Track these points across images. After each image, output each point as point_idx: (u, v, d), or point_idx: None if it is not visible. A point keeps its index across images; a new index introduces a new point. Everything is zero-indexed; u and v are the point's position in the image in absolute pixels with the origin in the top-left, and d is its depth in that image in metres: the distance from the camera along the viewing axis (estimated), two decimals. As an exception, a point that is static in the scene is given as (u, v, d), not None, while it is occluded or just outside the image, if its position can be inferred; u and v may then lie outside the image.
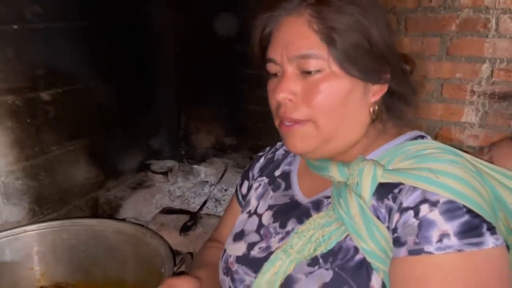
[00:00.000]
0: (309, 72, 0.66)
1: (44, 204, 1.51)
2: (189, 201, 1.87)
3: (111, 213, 1.74)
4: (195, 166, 2.03)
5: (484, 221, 0.57)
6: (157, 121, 2.14)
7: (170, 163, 2.01)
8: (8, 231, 1.11)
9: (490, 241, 0.56)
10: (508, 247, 0.60)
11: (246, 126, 2.09)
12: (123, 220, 1.62)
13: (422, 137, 0.72)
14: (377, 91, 0.70)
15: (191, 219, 1.47)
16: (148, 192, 1.86)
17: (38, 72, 1.43)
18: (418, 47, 1.59)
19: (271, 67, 0.70)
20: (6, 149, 1.35)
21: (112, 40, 1.76)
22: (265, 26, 0.71)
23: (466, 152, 0.68)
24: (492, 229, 0.57)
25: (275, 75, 0.71)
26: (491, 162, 0.75)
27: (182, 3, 2.06)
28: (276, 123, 0.73)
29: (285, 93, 0.67)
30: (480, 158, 0.69)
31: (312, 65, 0.65)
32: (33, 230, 1.16)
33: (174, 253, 1.08)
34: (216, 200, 1.83)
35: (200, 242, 1.40)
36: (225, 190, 1.90)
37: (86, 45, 1.62)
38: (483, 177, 0.65)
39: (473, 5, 1.53)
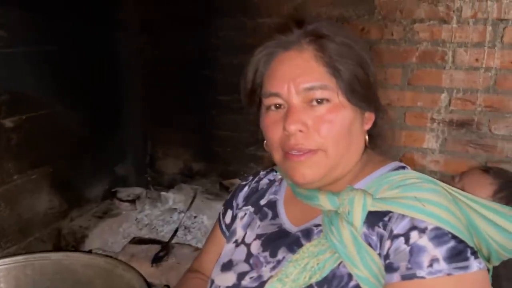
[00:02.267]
0: (319, 102, 0.69)
1: (4, 236, 1.42)
2: (157, 229, 1.82)
3: (76, 244, 1.66)
4: (163, 192, 1.99)
5: (468, 246, 0.61)
6: (123, 147, 2.09)
7: (137, 190, 1.96)
8: (-32, 269, 1.03)
9: (474, 264, 0.59)
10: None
11: (215, 152, 2.09)
12: (90, 251, 1.56)
13: (403, 167, 0.75)
14: (369, 119, 0.75)
15: (163, 249, 1.43)
16: (115, 221, 1.80)
17: (1, 98, 1.37)
18: (382, 77, 1.67)
19: (274, 101, 0.71)
20: (-36, 179, 1.27)
21: (77, 65, 1.72)
22: (261, 61, 0.73)
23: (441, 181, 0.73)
24: (475, 253, 0.60)
25: (275, 108, 0.72)
26: (463, 190, 0.80)
27: (150, 28, 2.05)
28: (278, 155, 0.73)
29: (297, 124, 0.68)
30: (453, 186, 0.73)
31: (321, 95, 0.69)
32: (-6, 267, 1.08)
33: (150, 286, 1.05)
34: (185, 228, 1.80)
35: (173, 273, 1.37)
36: (195, 217, 1.87)
37: (51, 70, 1.58)
38: (458, 204, 0.69)
39: (431, 38, 1.64)
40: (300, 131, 0.69)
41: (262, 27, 1.83)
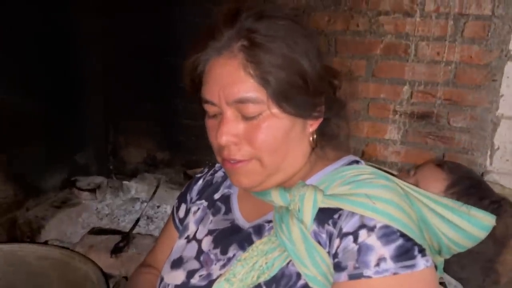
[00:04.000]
0: (248, 117, 0.66)
1: (-49, 227, 1.35)
2: (118, 219, 1.78)
3: (31, 235, 1.59)
4: (125, 182, 1.94)
5: (416, 244, 0.60)
6: (84, 135, 2.01)
7: (98, 179, 1.90)
8: None
9: (421, 263, 0.59)
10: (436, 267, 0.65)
11: (179, 141, 2.05)
12: (46, 242, 1.50)
13: (356, 162, 0.75)
14: (315, 121, 0.72)
15: (123, 240, 1.39)
16: (74, 211, 1.74)
17: None
18: (347, 68, 1.68)
19: (209, 108, 0.68)
20: None
21: (30, 48, 1.63)
22: (196, 66, 0.69)
23: (394, 175, 0.73)
24: (422, 251, 0.60)
25: (212, 116, 0.69)
26: (417, 185, 0.82)
27: (111, 11, 1.97)
28: (219, 159, 0.72)
29: (227, 136, 0.66)
30: (406, 181, 0.74)
31: (252, 110, 0.65)
32: None
33: (107, 277, 1.02)
34: (148, 217, 1.77)
35: (133, 264, 1.34)
36: (158, 207, 1.84)
37: (2, 53, 1.49)
38: (410, 199, 0.70)
39: (395, 31, 1.66)
40: (233, 142, 0.66)
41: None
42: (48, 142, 1.77)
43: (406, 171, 1.04)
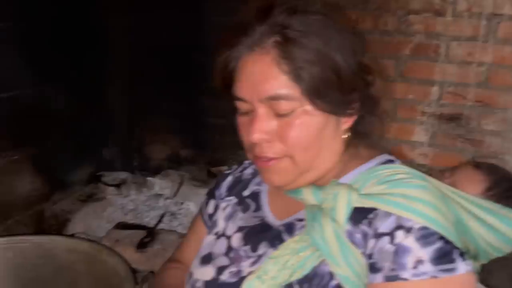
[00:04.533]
0: (282, 114, 0.65)
1: (-17, 218, 1.38)
2: (142, 215, 1.79)
3: (58, 228, 1.62)
4: (149, 178, 1.96)
5: (455, 247, 0.59)
6: (110, 131, 2.04)
7: (123, 175, 1.92)
8: None
9: (462, 266, 0.57)
10: None
11: (203, 139, 2.06)
12: (72, 235, 1.52)
13: (391, 161, 0.73)
14: (348, 119, 0.70)
15: (148, 235, 1.40)
16: (99, 205, 1.76)
17: (-20, 76, 1.32)
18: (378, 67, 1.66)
19: (241, 105, 0.68)
20: None
21: (59, 44, 1.65)
22: (227, 63, 0.68)
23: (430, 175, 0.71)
24: (463, 255, 0.59)
25: (244, 113, 0.68)
26: (453, 186, 0.79)
27: (137, 9, 1.99)
28: (250, 157, 0.71)
29: (260, 134, 0.65)
30: (443, 182, 0.72)
31: (284, 107, 0.64)
32: (-27, 249, 1.05)
33: (134, 272, 1.03)
34: (171, 214, 1.78)
35: (158, 259, 1.35)
36: (181, 203, 1.85)
37: (31, 48, 1.51)
38: (447, 201, 0.68)
39: (425, 31, 1.63)
40: (265, 139, 0.66)
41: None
42: (76, 137, 1.80)
43: (441, 172, 1.01)
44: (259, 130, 0.65)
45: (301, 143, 0.66)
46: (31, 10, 1.51)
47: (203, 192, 1.86)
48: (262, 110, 0.65)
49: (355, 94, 0.68)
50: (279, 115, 0.65)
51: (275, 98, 0.64)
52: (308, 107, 0.64)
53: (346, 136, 0.71)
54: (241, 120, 0.69)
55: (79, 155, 1.85)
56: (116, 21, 1.96)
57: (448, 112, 1.67)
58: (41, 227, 1.63)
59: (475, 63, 1.60)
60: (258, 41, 0.64)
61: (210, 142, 2.04)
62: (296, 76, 0.63)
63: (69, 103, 1.73)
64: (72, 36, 1.71)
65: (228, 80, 0.69)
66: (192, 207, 1.84)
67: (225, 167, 1.98)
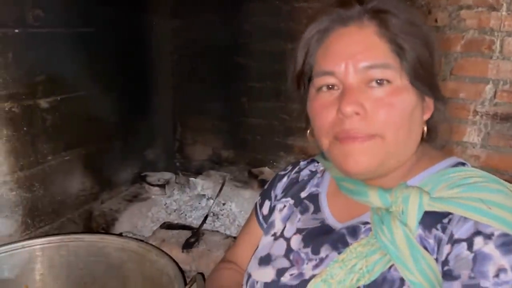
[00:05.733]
0: (379, 83, 0.63)
1: (37, 216, 1.44)
2: (186, 215, 1.81)
3: (106, 226, 1.67)
4: (191, 178, 1.98)
5: None
6: (153, 132, 2.08)
7: (166, 175, 1.95)
8: (6, 246, 1.05)
9: None
10: None
11: (244, 139, 2.06)
12: (120, 234, 1.56)
13: (462, 164, 0.70)
14: (428, 108, 0.69)
15: (193, 235, 1.41)
16: (144, 205, 1.80)
17: (37, 78, 1.37)
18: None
19: (328, 80, 0.66)
20: (0, 159, 1.28)
21: (111, 48, 1.71)
22: (312, 39, 0.68)
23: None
24: None
25: (327, 89, 0.66)
26: None
27: (182, 12, 2.02)
28: (327, 141, 0.68)
29: (353, 106, 0.62)
30: None
31: (385, 74, 0.63)
32: (31, 246, 1.09)
33: (183, 272, 1.03)
34: (214, 214, 1.79)
35: (203, 260, 1.35)
36: (223, 204, 1.86)
37: (87, 53, 1.57)
38: None
39: (478, 26, 1.55)
40: (357, 113, 0.63)
41: (298, 11, 1.77)
42: (122, 137, 1.85)
43: None
44: (355, 101, 0.63)
45: (396, 120, 0.63)
46: (90, 16, 1.57)
47: (244, 193, 1.87)
48: (356, 82, 0.64)
49: (437, 82, 0.67)
50: (373, 87, 0.63)
51: (374, 66, 0.63)
52: (405, 81, 0.63)
53: (424, 128, 0.69)
54: (322, 100, 0.67)
55: (125, 155, 1.90)
56: (160, 25, 2.00)
57: (503, 111, 1.58)
58: (90, 225, 1.68)
59: (533, 60, 1.51)
60: (355, 16, 0.65)
61: (251, 143, 2.04)
62: (397, 46, 0.62)
63: (116, 105, 1.78)
64: (120, 40, 1.76)
65: (311, 58, 0.68)
66: (233, 207, 1.85)
67: (265, 168, 1.97)
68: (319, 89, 0.68)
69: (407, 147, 0.67)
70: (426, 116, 0.69)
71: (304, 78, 0.71)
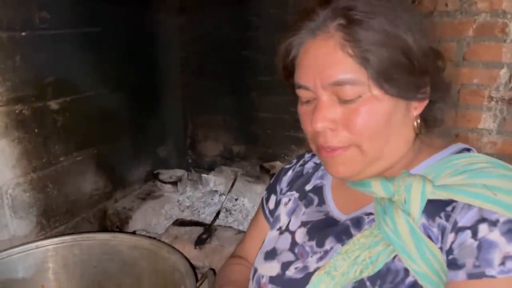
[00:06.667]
0: (348, 101, 0.62)
1: (52, 217, 1.46)
2: (199, 211, 1.82)
3: (120, 225, 1.68)
4: (203, 175, 1.98)
5: None
6: (164, 130, 2.09)
7: (178, 172, 1.96)
8: (20, 247, 1.06)
9: None
10: None
11: (255, 134, 2.05)
12: (134, 232, 1.57)
13: (467, 150, 0.68)
14: (419, 104, 0.66)
15: (206, 232, 1.41)
16: (157, 202, 1.81)
17: (47, 80, 1.39)
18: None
19: (303, 94, 0.66)
20: (13, 161, 1.30)
21: (119, 47, 1.72)
22: (289, 50, 0.67)
23: None
24: None
25: (305, 101, 0.67)
26: None
27: (189, 8, 2.02)
28: (313, 148, 0.69)
29: (323, 122, 0.63)
30: None
31: (350, 92, 0.61)
32: (44, 246, 1.11)
33: (195, 268, 1.03)
34: (226, 210, 1.79)
35: (216, 256, 1.36)
36: (236, 200, 1.85)
37: (94, 52, 1.58)
38: None
39: (490, 9, 1.50)
40: (330, 128, 0.63)
41: (304, 3, 1.75)
42: (133, 136, 1.86)
43: None
44: (323, 118, 0.62)
45: (369, 130, 0.62)
46: (96, 16, 1.57)
47: (256, 187, 1.86)
48: (325, 97, 0.63)
49: (426, 77, 0.64)
50: (344, 102, 0.62)
51: (340, 83, 0.61)
52: (376, 91, 0.61)
53: (416, 123, 0.67)
54: (303, 110, 0.67)
55: (137, 154, 1.91)
56: (167, 22, 2.00)
57: (519, 96, 1.54)
58: (104, 224, 1.70)
59: (549, 41, 1.46)
60: (321, 26, 0.62)
61: (262, 138, 2.03)
62: (362, 59, 0.59)
63: (126, 104, 1.79)
64: (129, 39, 1.77)
65: (290, 69, 0.68)
66: (246, 202, 1.84)
67: (277, 162, 1.96)
68: (300, 98, 0.68)
69: (393, 148, 0.66)
70: (417, 111, 0.66)
71: (291, 81, 0.70)
